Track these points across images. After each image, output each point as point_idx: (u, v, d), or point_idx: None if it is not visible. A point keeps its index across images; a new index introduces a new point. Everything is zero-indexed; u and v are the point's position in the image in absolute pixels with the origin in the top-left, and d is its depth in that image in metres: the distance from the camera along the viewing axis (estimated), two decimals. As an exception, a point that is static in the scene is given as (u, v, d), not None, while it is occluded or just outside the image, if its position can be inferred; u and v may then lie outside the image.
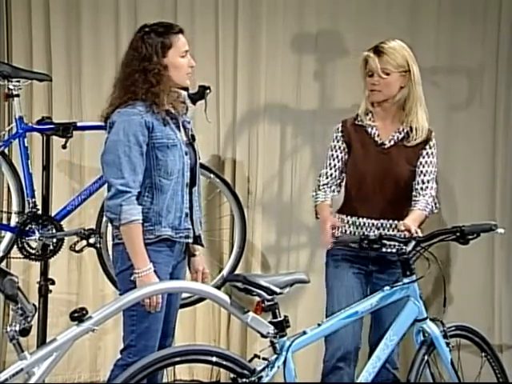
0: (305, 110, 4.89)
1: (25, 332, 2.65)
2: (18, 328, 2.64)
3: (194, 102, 4.15)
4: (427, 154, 3.69)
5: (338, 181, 3.74)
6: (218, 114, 4.89)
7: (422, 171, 3.67)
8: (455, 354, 3.39)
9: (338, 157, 3.73)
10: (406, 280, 3.32)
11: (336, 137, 3.74)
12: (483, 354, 3.53)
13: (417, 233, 3.37)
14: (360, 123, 3.71)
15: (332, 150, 3.74)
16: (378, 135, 3.68)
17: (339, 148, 3.73)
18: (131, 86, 3.32)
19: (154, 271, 3.27)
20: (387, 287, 3.29)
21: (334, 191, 3.74)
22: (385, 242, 3.41)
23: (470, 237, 3.34)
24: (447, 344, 3.35)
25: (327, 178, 3.73)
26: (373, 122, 3.70)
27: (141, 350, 3.30)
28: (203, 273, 3.59)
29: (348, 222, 3.70)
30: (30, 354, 2.67)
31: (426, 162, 3.68)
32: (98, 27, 4.94)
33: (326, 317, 3.32)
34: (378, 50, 3.64)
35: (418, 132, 3.66)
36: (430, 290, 4.55)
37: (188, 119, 3.51)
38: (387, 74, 3.62)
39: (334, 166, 3.73)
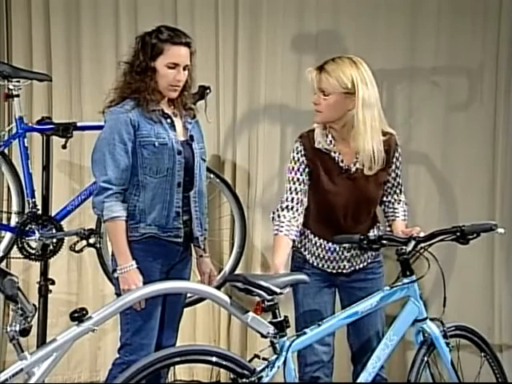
0: (305, 110, 4.86)
1: (25, 332, 2.66)
2: (18, 328, 2.64)
3: (194, 102, 4.16)
4: (396, 166, 3.49)
5: (302, 206, 3.41)
6: (217, 113, 4.89)
7: (393, 184, 3.52)
8: (455, 354, 3.40)
9: (302, 180, 3.41)
10: (405, 280, 3.32)
11: (298, 159, 3.42)
12: (482, 354, 3.54)
13: (418, 233, 3.37)
14: (320, 147, 3.39)
15: (294, 173, 3.42)
16: (342, 160, 3.38)
17: (303, 171, 3.41)
18: (123, 82, 3.40)
19: (139, 268, 3.29)
20: (387, 287, 3.30)
21: (297, 221, 3.37)
22: (384, 241, 3.41)
23: (470, 237, 3.34)
24: (447, 344, 3.36)
25: (292, 202, 3.38)
26: (333, 146, 3.38)
27: (137, 348, 3.33)
28: (210, 275, 3.60)
29: (317, 243, 3.47)
30: (30, 354, 2.67)
31: (397, 174, 3.51)
32: (97, 27, 4.94)
33: (297, 331, 3.25)
34: (321, 67, 3.32)
35: (363, 161, 3.34)
36: (430, 290, 4.54)
37: (190, 120, 3.52)
38: (327, 95, 3.30)
39: (299, 190, 3.40)
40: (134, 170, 3.34)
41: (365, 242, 3.39)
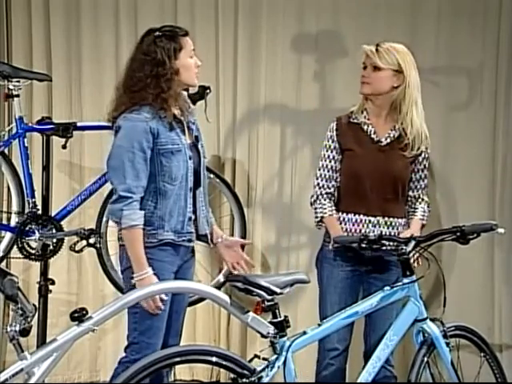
0: (305, 110, 4.88)
1: (25, 332, 2.66)
2: (17, 328, 2.64)
3: (194, 102, 4.16)
4: (424, 158, 3.74)
5: (336, 183, 3.73)
6: (217, 113, 4.89)
7: (417, 177, 3.75)
8: (455, 354, 3.40)
9: (333, 158, 3.73)
10: (405, 280, 3.32)
11: (331, 136, 3.74)
12: (482, 354, 3.53)
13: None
14: (355, 121, 3.73)
15: (327, 151, 3.75)
16: (374, 132, 3.69)
17: (334, 148, 3.73)
18: (141, 90, 3.33)
19: (153, 269, 3.29)
20: (387, 287, 3.30)
21: (334, 199, 3.73)
22: (384, 242, 3.41)
23: (471, 236, 3.35)
24: (447, 344, 3.36)
25: (328, 181, 3.72)
26: (368, 119, 3.70)
27: (143, 348, 3.33)
28: (244, 260, 3.56)
29: (344, 219, 3.69)
30: (30, 354, 2.67)
31: (425, 165, 3.75)
32: (97, 27, 4.94)
33: (321, 321, 3.29)
34: (377, 45, 3.68)
35: (411, 137, 3.66)
36: (430, 290, 4.54)
37: (193, 120, 3.51)
38: (378, 69, 3.64)
39: (331, 167, 3.73)
40: (152, 178, 3.34)
41: (365, 241, 3.40)
